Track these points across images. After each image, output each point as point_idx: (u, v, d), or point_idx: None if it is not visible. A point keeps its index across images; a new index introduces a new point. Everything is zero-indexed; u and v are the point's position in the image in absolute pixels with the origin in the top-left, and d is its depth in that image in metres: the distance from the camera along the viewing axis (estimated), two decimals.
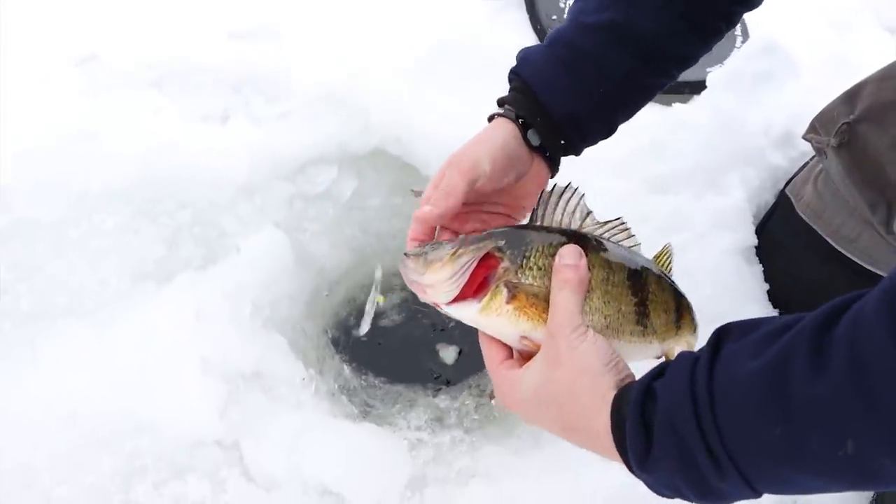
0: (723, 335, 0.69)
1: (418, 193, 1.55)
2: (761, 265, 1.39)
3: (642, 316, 0.84)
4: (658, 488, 0.72)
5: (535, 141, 0.94)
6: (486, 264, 0.83)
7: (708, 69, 1.56)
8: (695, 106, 1.50)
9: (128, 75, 1.57)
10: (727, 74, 1.46)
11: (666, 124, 1.45)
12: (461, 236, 0.86)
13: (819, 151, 1.29)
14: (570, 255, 0.80)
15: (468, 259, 0.82)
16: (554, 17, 1.75)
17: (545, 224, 0.88)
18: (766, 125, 1.43)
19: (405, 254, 0.86)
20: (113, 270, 1.37)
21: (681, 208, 1.36)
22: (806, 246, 1.34)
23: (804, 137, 1.31)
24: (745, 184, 1.38)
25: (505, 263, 0.82)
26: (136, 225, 1.42)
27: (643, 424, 0.69)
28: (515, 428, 1.27)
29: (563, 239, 0.84)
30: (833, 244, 1.31)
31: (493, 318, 0.82)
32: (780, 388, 0.60)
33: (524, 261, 0.82)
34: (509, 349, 0.85)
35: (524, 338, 0.82)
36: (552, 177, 0.99)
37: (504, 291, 0.81)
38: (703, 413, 0.65)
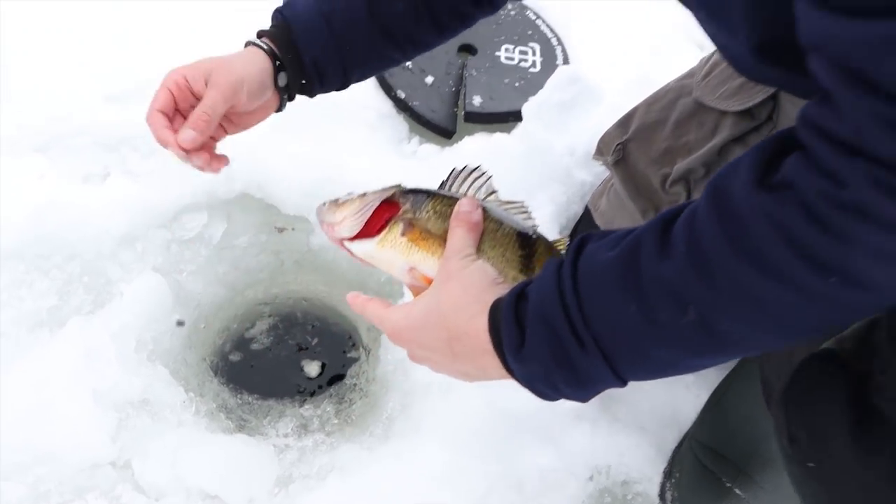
0: (584, 240, 0.77)
1: (281, 230, 1.75)
2: None
3: (527, 268, 0.92)
4: (535, 385, 0.78)
5: (283, 81, 1.10)
6: (389, 209, 0.92)
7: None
8: (512, 134, 1.72)
9: (13, 142, 1.74)
10: (537, 105, 1.68)
11: (488, 151, 1.67)
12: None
13: (607, 168, 1.52)
14: (467, 203, 0.90)
15: (373, 198, 0.92)
16: None
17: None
18: (572, 147, 1.65)
19: (322, 203, 0.97)
20: (10, 322, 1.55)
21: None
22: None
23: (593, 157, 1.53)
24: (552, 200, 1.60)
25: (406, 206, 0.92)
26: (29, 279, 1.60)
27: (516, 321, 0.76)
28: (368, 427, 1.49)
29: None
30: None
31: (387, 249, 0.91)
32: (632, 270, 0.69)
33: (423, 206, 0.92)
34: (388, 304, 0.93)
35: (413, 269, 0.91)
36: (278, 111, 1.16)
37: (401, 225, 0.91)
38: (569, 301, 0.72)
